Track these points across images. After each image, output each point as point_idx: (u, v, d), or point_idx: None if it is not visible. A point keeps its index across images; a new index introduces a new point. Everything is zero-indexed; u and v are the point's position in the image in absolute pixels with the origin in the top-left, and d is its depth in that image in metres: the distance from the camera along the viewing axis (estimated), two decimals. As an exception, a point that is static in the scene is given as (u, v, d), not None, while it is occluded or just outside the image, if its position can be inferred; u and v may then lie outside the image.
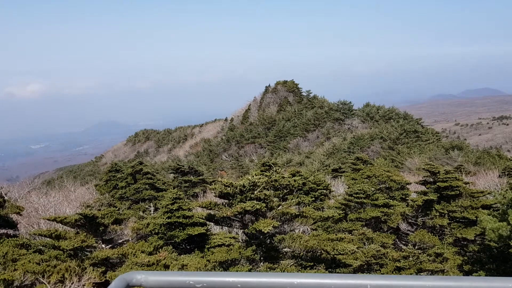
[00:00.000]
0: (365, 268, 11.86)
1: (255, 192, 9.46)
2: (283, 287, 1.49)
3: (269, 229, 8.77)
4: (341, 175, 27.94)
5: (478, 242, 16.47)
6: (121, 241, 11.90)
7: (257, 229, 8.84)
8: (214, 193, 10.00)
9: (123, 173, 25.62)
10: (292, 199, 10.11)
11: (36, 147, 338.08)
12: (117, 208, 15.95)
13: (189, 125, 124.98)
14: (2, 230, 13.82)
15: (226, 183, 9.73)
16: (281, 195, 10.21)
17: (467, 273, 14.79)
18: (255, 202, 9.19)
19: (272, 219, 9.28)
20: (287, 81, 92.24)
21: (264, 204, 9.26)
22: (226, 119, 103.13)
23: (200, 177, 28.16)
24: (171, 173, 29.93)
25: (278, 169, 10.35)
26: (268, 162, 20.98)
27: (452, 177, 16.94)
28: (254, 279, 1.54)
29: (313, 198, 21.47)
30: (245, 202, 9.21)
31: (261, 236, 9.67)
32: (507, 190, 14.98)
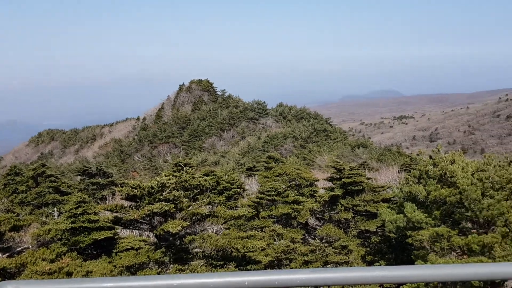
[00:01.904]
0: (275, 264, 12.21)
1: (164, 193, 9.28)
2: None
3: (177, 230, 8.66)
4: (255, 174, 28.45)
5: (379, 233, 17.69)
6: (20, 249, 11.02)
7: (166, 230, 8.68)
8: (121, 195, 9.63)
9: (24, 176, 23.76)
10: (202, 199, 10.08)
11: None
12: (15, 214, 14.74)
13: (97, 125, 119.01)
14: None
15: (134, 185, 9.44)
16: (191, 196, 10.13)
17: (369, 263, 15.83)
18: (164, 203, 9.02)
19: (182, 220, 9.18)
20: (202, 80, 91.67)
21: (173, 205, 9.11)
22: (138, 118, 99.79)
23: (109, 179, 27.00)
24: (77, 175, 28.38)
25: (189, 169, 10.23)
26: (180, 162, 20.69)
27: (356, 173, 18.01)
28: (129, 284, 1.50)
29: (227, 197, 21.63)
30: (153, 204, 9.00)
31: (171, 238, 9.51)
32: (403, 184, 16.25)
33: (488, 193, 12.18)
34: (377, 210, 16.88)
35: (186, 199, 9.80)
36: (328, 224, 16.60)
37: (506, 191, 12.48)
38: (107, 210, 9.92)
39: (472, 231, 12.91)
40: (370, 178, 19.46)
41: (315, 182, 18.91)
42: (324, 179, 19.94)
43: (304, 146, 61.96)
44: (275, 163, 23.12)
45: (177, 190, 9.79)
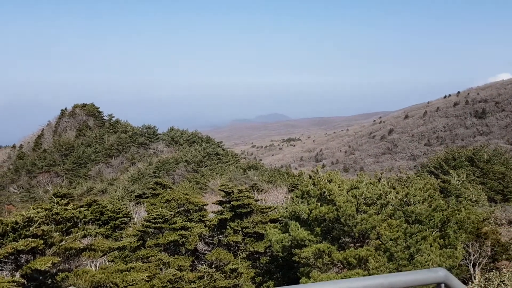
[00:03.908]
0: (162, 295, 11.74)
1: (31, 228, 8.40)
2: None
3: (47, 267, 7.85)
4: (145, 201, 27.45)
5: (268, 253, 18.05)
6: None
7: (33, 268, 7.81)
8: (-22, 234, 8.52)
9: None
10: (77, 233, 9.34)
11: None
12: None
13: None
14: None
15: (-7, 221, 8.41)
16: (64, 229, 9.32)
17: (259, 285, 16.02)
18: (31, 239, 8.13)
19: (53, 256, 8.36)
20: (86, 104, 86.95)
21: (42, 241, 8.27)
22: (14, 146, 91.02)
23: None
24: None
25: (62, 200, 9.43)
26: (59, 193, 19.15)
27: (244, 196, 18.27)
28: None
29: (113, 228, 20.47)
30: (17, 241, 8.07)
31: (41, 277, 8.60)
32: (289, 204, 16.87)
33: (361, 209, 13.14)
34: (265, 230, 17.26)
35: (57, 233, 8.96)
36: (217, 248, 16.51)
37: (377, 205, 13.59)
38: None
39: (350, 245, 13.77)
40: (258, 200, 19.89)
41: (204, 207, 18.79)
42: (214, 203, 19.92)
43: (197, 170, 61.65)
44: (162, 189, 22.55)
45: (47, 224, 8.93)
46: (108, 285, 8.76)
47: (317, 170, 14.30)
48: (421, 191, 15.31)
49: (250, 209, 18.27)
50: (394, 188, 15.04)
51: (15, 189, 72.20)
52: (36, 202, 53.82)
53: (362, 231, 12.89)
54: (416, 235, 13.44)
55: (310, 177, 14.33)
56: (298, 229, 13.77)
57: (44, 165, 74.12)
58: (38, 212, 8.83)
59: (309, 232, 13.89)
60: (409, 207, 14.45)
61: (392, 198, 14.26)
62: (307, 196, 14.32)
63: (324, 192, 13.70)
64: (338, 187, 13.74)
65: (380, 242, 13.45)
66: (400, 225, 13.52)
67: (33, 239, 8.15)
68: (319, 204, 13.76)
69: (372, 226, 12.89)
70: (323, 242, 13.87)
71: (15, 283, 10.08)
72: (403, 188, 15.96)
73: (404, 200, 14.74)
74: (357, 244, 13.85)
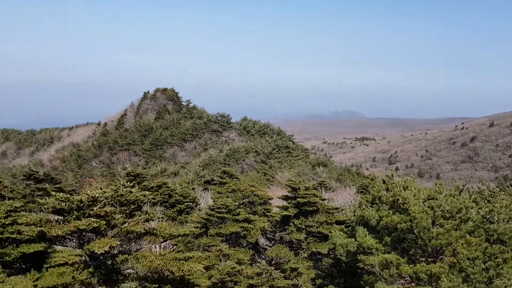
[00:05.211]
0: (219, 287, 11.60)
1: (95, 208, 8.55)
2: None
3: (104, 250, 7.95)
4: (212, 189, 27.77)
5: (331, 256, 17.37)
6: None
7: (91, 250, 7.94)
8: (47, 208, 8.83)
9: (-40, 177, 22.13)
10: (140, 216, 9.41)
11: None
12: None
13: (56, 127, 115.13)
14: None
15: (61, 197, 8.65)
16: (127, 211, 9.44)
17: (319, 287, 15.44)
18: (93, 219, 8.28)
19: (113, 239, 8.46)
20: (167, 88, 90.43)
21: (104, 222, 8.39)
22: (99, 124, 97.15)
23: (57, 185, 25.61)
24: (22, 179, 26.85)
25: (128, 183, 9.58)
26: (132, 172, 19.81)
27: (311, 194, 17.69)
28: None
29: (178, 211, 20.87)
30: (80, 220, 8.25)
31: (101, 257, 8.77)
32: (357, 208, 16.05)
33: (438, 222, 12.08)
34: (330, 232, 16.60)
35: (120, 215, 9.09)
36: (279, 244, 16.14)
37: (456, 220, 12.43)
38: (31, 224, 9.05)
39: (421, 259, 12.76)
40: (325, 199, 19.22)
41: (269, 200, 18.47)
42: (279, 197, 19.56)
43: (266, 162, 61.73)
44: (229, 178, 22.58)
45: (112, 205, 9.08)
46: (165, 272, 8.76)
47: (392, 175, 13.37)
48: (506, 208, 13.87)
49: (316, 207, 17.67)
50: (476, 203, 13.72)
51: (97, 164, 77.05)
52: (114, 177, 57.01)
53: (437, 246, 11.85)
54: (497, 257, 12.13)
55: (384, 181, 13.45)
56: (365, 236, 12.99)
57: (125, 143, 78.31)
58: (103, 192, 9.00)
59: (377, 240, 13.05)
60: (492, 225, 13.12)
61: (473, 214, 13.01)
62: (378, 201, 13.46)
63: (398, 199, 12.78)
64: (414, 195, 12.75)
65: (456, 260, 12.31)
66: (479, 244, 12.28)
67: (95, 219, 8.30)
68: (391, 212, 12.87)
69: (448, 242, 11.80)
70: (392, 252, 12.99)
71: (78, 256, 10.34)
72: (486, 203, 14.55)
73: (487, 217, 13.40)
74: (429, 259, 12.80)
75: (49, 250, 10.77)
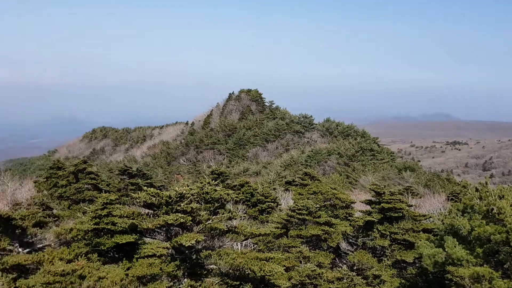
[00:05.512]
0: (298, 289, 11.58)
1: (182, 204, 8.96)
2: None
3: (191, 243, 8.29)
4: (293, 189, 27.80)
5: (417, 265, 16.55)
6: (41, 245, 11.05)
7: (179, 242, 8.33)
8: (138, 202, 9.42)
9: (65, 170, 24.39)
10: (223, 214, 9.69)
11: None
12: (41, 210, 14.93)
13: (149, 126, 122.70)
14: None
15: (152, 192, 9.19)
16: (212, 209, 9.77)
17: (402, 297, 14.77)
18: (180, 215, 8.69)
19: (198, 234, 8.80)
20: (251, 90, 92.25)
21: (190, 218, 8.76)
22: (187, 123, 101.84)
23: (148, 181, 27.28)
24: (117, 174, 28.99)
25: (213, 181, 9.92)
26: (217, 170, 20.47)
27: (396, 199, 17.01)
28: None
29: (260, 211, 21.17)
30: (169, 215, 8.69)
31: (187, 251, 9.16)
32: (446, 216, 15.11)
33: (539, 236, 11.00)
34: (416, 240, 15.82)
35: (205, 212, 9.45)
36: (361, 250, 15.70)
37: (561, 235, 11.23)
38: (124, 217, 9.73)
39: (518, 275, 11.71)
40: (412, 205, 18.36)
41: (352, 204, 18.05)
42: (362, 202, 19.05)
43: (348, 164, 60.42)
44: (310, 180, 22.42)
45: (197, 202, 9.47)
46: (246, 270, 8.93)
47: (486, 183, 12.41)
48: None
49: (401, 214, 16.95)
50: None
51: (184, 161, 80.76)
52: (199, 175, 59.27)
53: (538, 262, 10.79)
54: None
55: (477, 189, 12.52)
56: (455, 247, 12.20)
57: (210, 142, 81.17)
58: (190, 189, 9.40)
59: (468, 251, 12.19)
60: None
61: None
62: (470, 210, 12.58)
63: (493, 209, 11.84)
64: (511, 205, 11.71)
65: (560, 280, 11.13)
66: None
67: (182, 215, 8.71)
68: (484, 222, 11.95)
69: (551, 258, 10.69)
70: (484, 265, 12.06)
71: (166, 248, 10.93)
72: None
73: None
74: (529, 276, 11.69)
75: (139, 242, 11.51)
